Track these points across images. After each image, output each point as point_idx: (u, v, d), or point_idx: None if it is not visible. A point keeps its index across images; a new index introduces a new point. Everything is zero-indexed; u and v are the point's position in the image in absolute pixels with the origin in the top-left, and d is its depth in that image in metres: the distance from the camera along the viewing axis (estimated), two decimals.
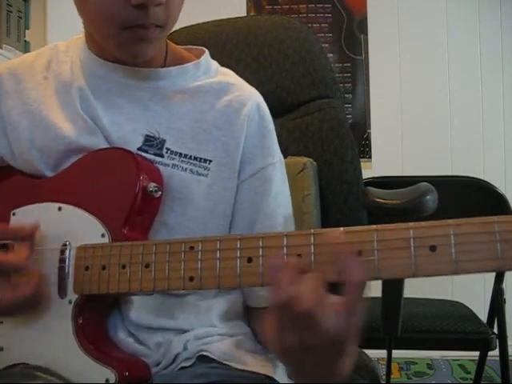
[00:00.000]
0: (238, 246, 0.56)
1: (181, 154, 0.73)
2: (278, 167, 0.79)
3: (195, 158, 0.74)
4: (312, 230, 0.53)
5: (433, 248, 0.48)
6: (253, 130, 0.77)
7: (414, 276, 0.48)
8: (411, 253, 0.48)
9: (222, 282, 0.56)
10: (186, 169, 0.73)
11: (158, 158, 0.72)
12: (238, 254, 0.55)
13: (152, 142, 0.73)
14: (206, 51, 0.82)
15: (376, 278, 0.50)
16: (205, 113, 0.76)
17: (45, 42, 2.04)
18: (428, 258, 0.48)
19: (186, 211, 0.72)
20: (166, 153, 0.73)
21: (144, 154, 0.72)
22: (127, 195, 0.66)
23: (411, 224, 0.49)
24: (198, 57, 0.80)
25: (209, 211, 0.74)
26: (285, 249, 0.53)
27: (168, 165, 0.72)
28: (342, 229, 0.51)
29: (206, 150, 0.74)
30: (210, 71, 0.80)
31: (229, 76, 0.82)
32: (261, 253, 0.54)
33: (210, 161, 0.74)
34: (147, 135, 0.73)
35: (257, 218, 0.76)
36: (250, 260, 0.55)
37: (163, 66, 0.77)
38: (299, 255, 0.52)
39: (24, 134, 0.75)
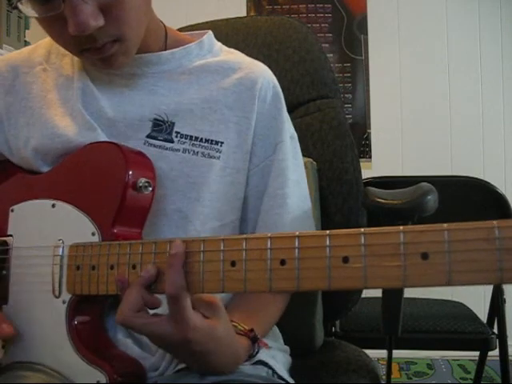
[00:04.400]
0: (222, 247, 0.53)
1: (191, 137, 0.71)
2: (285, 146, 0.76)
3: (206, 141, 0.72)
4: (297, 232, 0.49)
5: (425, 256, 0.43)
6: (264, 110, 0.75)
7: (403, 286, 0.44)
8: (401, 260, 0.44)
9: (206, 286, 0.54)
10: (197, 152, 0.71)
11: (169, 144, 0.71)
12: (222, 257, 0.53)
13: (161, 127, 0.71)
14: (210, 31, 0.80)
15: (363, 288, 0.46)
16: (214, 92, 0.74)
17: None
18: (419, 267, 0.43)
19: (200, 196, 0.71)
20: (176, 137, 0.71)
21: (153, 141, 0.71)
22: (116, 192, 0.64)
23: (402, 228, 0.44)
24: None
25: (222, 194, 0.73)
26: (268, 252, 0.50)
27: (179, 149, 0.71)
28: (327, 232, 0.48)
29: (218, 132, 0.72)
30: (214, 50, 0.78)
31: (236, 54, 0.80)
32: (244, 256, 0.52)
33: (222, 143, 0.72)
34: (155, 119, 0.71)
35: (262, 199, 0.75)
36: (233, 264, 0.52)
37: (164, 50, 0.75)
38: (283, 260, 0.49)
39: (22, 131, 0.74)
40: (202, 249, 0.54)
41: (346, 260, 0.46)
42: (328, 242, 0.47)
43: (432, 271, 0.43)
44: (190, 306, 0.54)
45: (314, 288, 0.49)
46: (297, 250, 0.49)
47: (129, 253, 0.59)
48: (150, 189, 0.65)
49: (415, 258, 0.43)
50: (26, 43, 2.01)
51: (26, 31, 2.03)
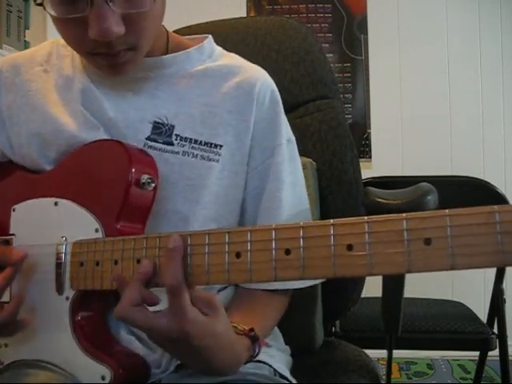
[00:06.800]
0: (227, 240, 0.53)
1: (191, 140, 0.72)
2: (282, 149, 0.77)
3: (206, 144, 0.72)
4: (301, 223, 0.50)
5: (427, 241, 0.43)
6: (262, 113, 0.76)
7: (408, 272, 0.44)
8: (404, 247, 0.44)
9: (211, 277, 0.54)
10: (196, 155, 0.72)
11: (168, 147, 0.71)
12: (227, 249, 0.53)
13: (161, 130, 0.72)
14: (210, 36, 0.81)
15: (368, 275, 0.46)
16: (213, 96, 0.75)
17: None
18: (422, 253, 0.43)
19: (200, 198, 0.72)
20: (176, 139, 0.72)
21: (153, 144, 0.71)
22: (119, 188, 0.65)
23: (404, 215, 0.45)
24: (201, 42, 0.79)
25: (222, 197, 0.73)
26: (273, 242, 0.50)
27: (178, 152, 0.71)
28: (331, 221, 0.48)
29: (217, 135, 0.73)
30: (214, 54, 0.79)
31: (235, 58, 0.81)
32: (249, 247, 0.52)
33: (221, 146, 0.73)
34: (155, 122, 0.72)
35: (260, 201, 0.76)
36: (238, 255, 0.53)
37: (166, 53, 0.76)
38: (287, 250, 0.49)
39: (24, 128, 0.74)
40: (206, 242, 0.55)
41: (350, 248, 0.47)
42: (332, 231, 0.48)
43: (435, 256, 0.43)
44: (189, 299, 0.55)
45: (319, 276, 0.49)
46: (301, 240, 0.49)
47: (133, 248, 0.60)
48: (153, 185, 0.66)
49: (418, 243, 0.44)
50: (26, 43, 2.01)
51: (26, 31, 2.03)
